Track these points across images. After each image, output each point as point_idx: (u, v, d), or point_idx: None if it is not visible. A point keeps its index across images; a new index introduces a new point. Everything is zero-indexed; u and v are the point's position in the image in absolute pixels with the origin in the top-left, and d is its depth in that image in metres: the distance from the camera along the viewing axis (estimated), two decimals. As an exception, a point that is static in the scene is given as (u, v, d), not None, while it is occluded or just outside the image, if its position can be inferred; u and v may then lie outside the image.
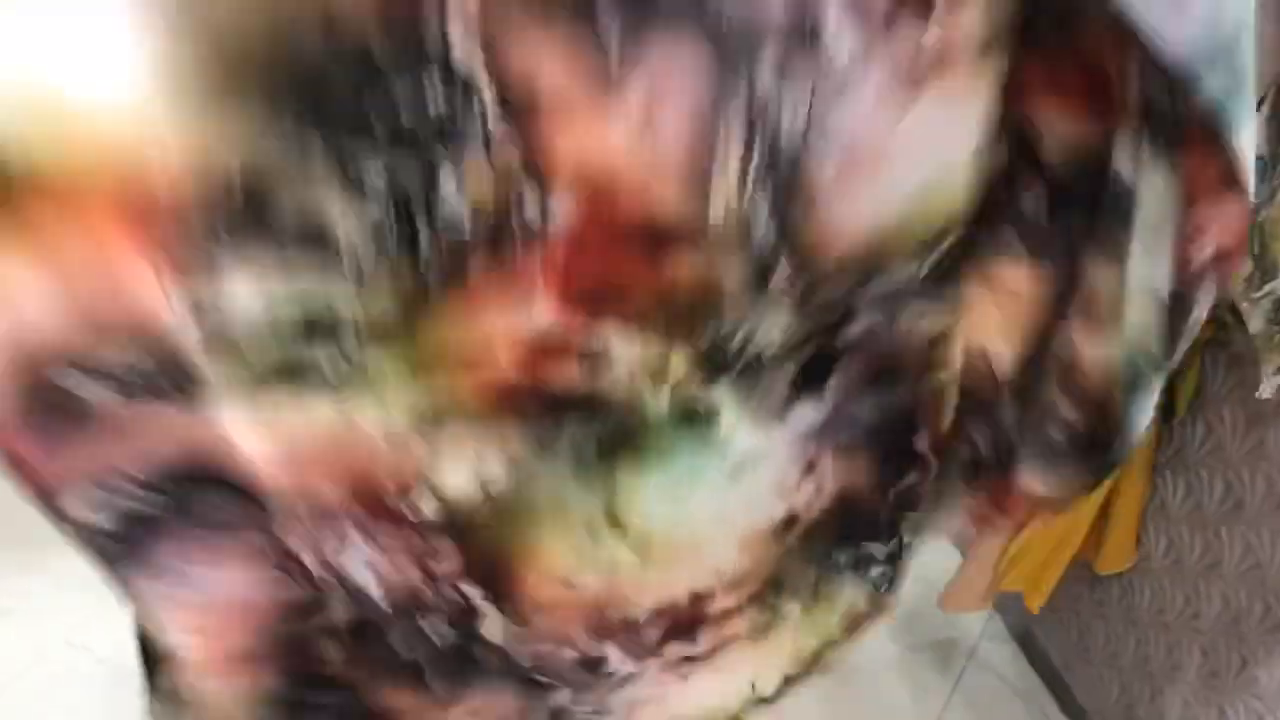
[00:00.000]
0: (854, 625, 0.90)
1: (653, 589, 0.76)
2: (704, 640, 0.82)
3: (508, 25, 0.49)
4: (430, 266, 0.54)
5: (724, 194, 0.57)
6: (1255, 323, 1.20)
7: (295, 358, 0.56)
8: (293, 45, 0.49)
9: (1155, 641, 1.47)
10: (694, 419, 0.69)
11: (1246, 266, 1.21)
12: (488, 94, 0.51)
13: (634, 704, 0.83)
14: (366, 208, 0.53)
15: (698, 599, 0.79)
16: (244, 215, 0.51)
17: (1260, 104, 1.19)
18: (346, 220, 0.53)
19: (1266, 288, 1.18)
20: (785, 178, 0.56)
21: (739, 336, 0.66)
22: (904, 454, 0.82)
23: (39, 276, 0.51)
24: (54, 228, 0.51)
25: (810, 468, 0.78)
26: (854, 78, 0.54)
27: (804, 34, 0.52)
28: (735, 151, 0.56)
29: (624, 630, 0.77)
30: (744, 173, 0.56)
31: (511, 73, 0.51)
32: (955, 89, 0.59)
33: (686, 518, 0.73)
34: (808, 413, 0.74)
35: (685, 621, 0.80)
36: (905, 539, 0.87)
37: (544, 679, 0.77)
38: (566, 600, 0.72)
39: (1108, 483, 1.39)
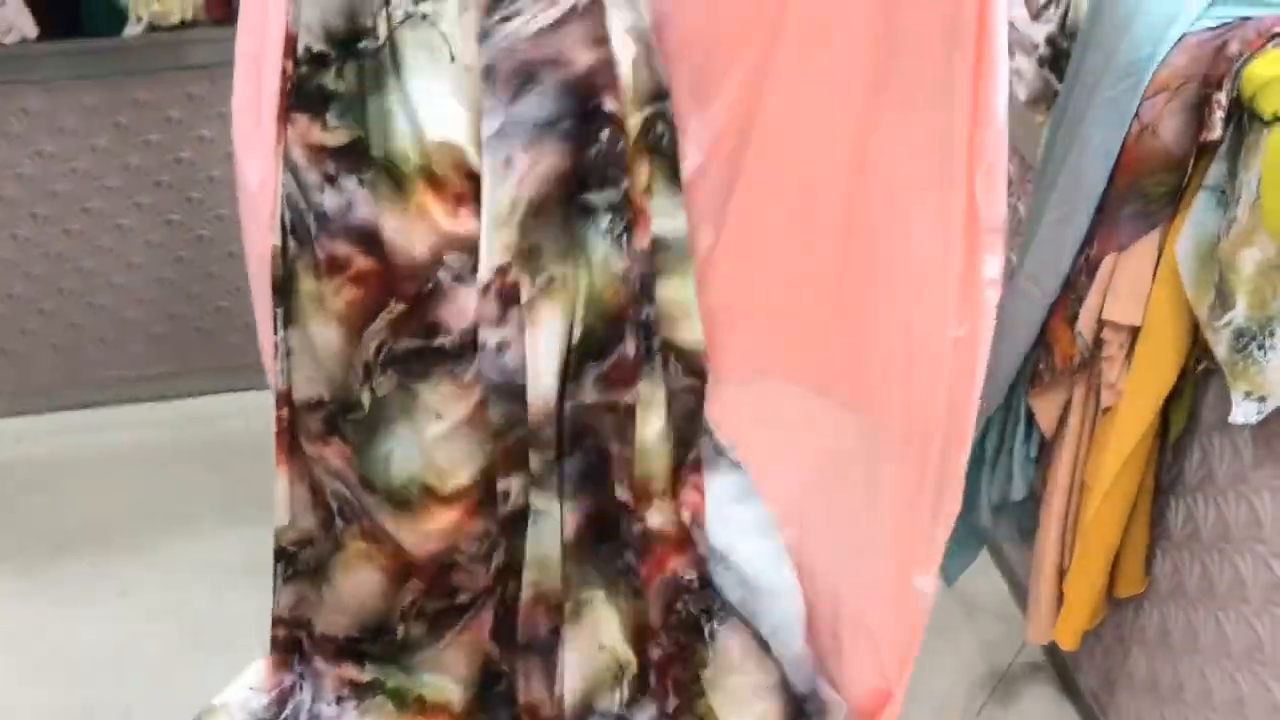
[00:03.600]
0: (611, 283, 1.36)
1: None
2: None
3: None
4: None
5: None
6: (1220, 350, 1.22)
7: None
8: None
9: (1164, 666, 1.50)
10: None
11: (1209, 295, 1.23)
12: None
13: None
14: None
15: None
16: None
17: (1219, 142, 1.21)
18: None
19: (1225, 317, 1.19)
20: None
21: None
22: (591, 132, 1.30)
23: None
24: None
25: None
26: None
27: None
28: None
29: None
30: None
31: None
32: None
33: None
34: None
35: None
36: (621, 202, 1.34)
37: None
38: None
39: (1126, 507, 1.43)
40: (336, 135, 1.30)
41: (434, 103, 1.28)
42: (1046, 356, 1.47)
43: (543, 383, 1.34)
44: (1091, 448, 1.47)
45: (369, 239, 1.32)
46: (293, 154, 1.30)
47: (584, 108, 1.28)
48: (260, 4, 1.30)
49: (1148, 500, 1.46)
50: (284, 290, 1.37)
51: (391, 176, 1.29)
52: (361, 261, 1.33)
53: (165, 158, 2.39)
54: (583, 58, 1.26)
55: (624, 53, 1.28)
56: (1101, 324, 1.37)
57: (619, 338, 1.38)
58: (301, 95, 1.29)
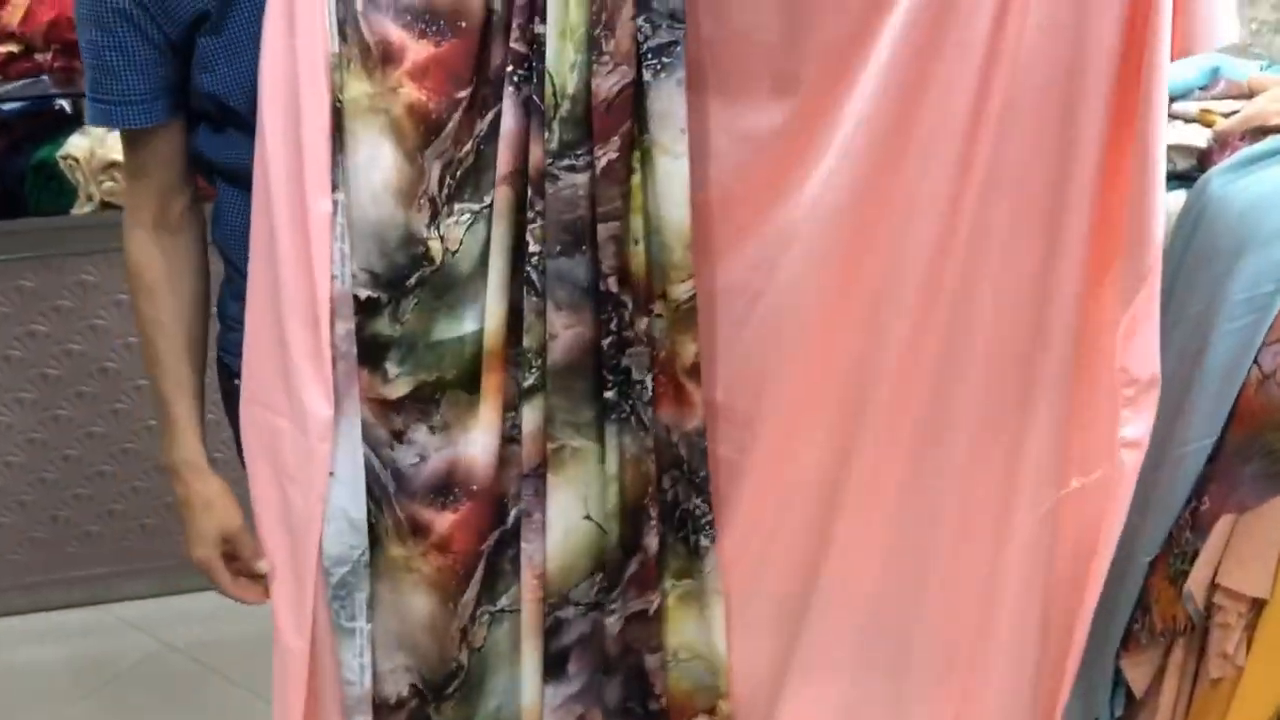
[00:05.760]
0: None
1: None
2: None
3: None
4: None
5: None
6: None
7: None
8: None
9: None
10: None
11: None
12: None
13: None
14: None
15: None
16: None
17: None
18: None
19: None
20: None
21: None
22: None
23: None
24: None
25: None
26: None
27: None
28: None
29: None
30: None
31: None
32: None
33: None
34: None
35: None
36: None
37: None
38: None
39: None
40: (399, 386, 1.14)
41: (495, 297, 1.14)
42: (1144, 616, 1.30)
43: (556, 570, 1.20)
44: (1192, 716, 1.30)
45: (449, 490, 1.18)
46: (361, 410, 1.15)
47: (595, 285, 1.13)
48: (288, 267, 1.11)
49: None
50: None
51: (463, 393, 1.16)
52: (445, 521, 1.18)
53: (113, 342, 2.17)
54: (599, 230, 1.10)
55: (668, 217, 1.11)
56: (1215, 586, 1.20)
57: (640, 533, 1.20)
58: (357, 348, 1.12)
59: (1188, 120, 1.38)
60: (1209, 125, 1.35)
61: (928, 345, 1.12)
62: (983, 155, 1.04)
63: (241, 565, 1.25)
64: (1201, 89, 1.42)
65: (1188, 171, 1.34)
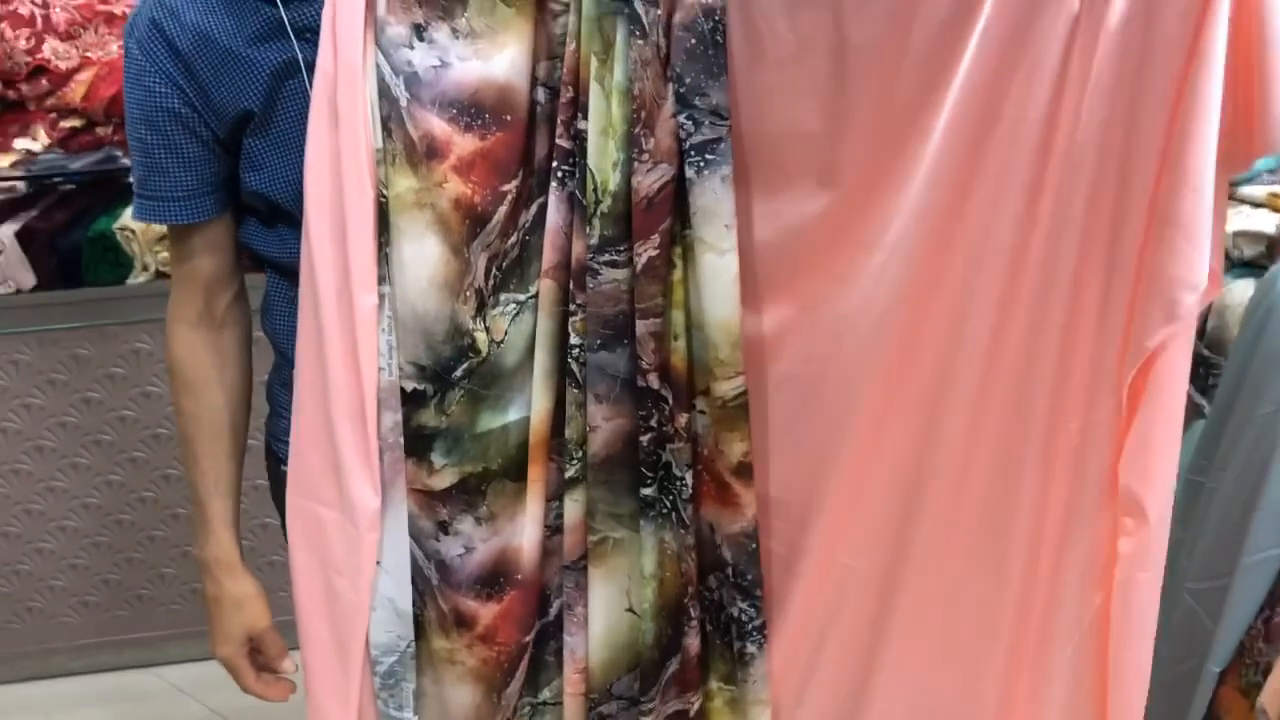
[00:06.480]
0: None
1: None
2: None
3: None
4: None
5: None
6: None
7: None
8: None
9: None
10: None
11: None
12: None
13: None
14: None
15: None
16: None
17: None
18: None
19: None
20: None
21: None
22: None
23: None
24: None
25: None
26: None
27: None
28: None
29: None
30: None
31: None
32: None
33: None
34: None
35: None
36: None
37: None
38: None
39: None
40: (444, 477, 1.12)
41: (541, 387, 1.12)
42: (1215, 729, 1.24)
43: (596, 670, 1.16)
44: (1268, 833, 1.23)
45: (495, 581, 1.15)
46: (407, 500, 1.15)
47: (635, 380, 1.10)
48: (335, 361, 1.10)
49: None
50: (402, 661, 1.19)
51: (509, 482, 1.14)
52: (489, 612, 1.15)
53: (165, 409, 2.19)
54: (638, 326, 1.08)
55: (713, 314, 1.08)
56: (1289, 703, 1.14)
57: (679, 632, 1.17)
58: (403, 440, 1.11)
59: (1255, 205, 1.33)
60: (1278, 210, 1.30)
61: (983, 441, 1.09)
62: (1035, 252, 1.01)
63: (265, 662, 1.23)
64: (1269, 172, 1.37)
65: (1256, 259, 1.29)
